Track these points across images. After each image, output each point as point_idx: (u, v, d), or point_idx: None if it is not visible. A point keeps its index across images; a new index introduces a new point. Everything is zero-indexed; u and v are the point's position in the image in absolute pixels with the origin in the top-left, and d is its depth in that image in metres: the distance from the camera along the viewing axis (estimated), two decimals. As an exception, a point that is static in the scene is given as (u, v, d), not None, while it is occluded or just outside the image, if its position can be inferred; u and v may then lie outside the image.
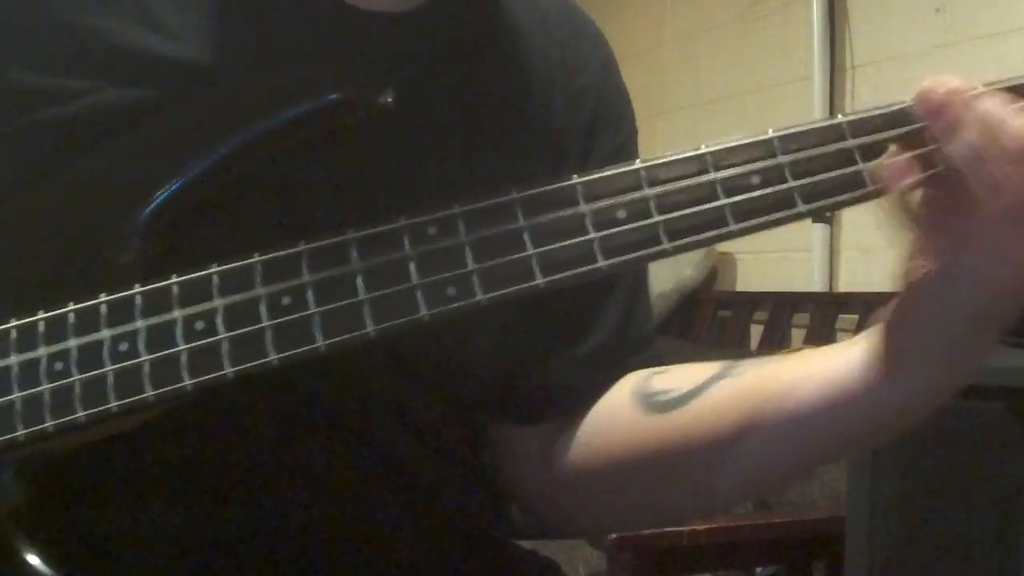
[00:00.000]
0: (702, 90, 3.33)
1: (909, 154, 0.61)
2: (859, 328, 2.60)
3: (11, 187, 0.70)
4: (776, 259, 3.05)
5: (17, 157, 0.70)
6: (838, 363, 0.68)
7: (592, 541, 1.87)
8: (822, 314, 2.75)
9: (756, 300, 3.02)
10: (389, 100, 0.66)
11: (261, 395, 0.69)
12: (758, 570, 2.27)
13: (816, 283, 2.84)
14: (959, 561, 1.49)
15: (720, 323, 3.11)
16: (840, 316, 2.72)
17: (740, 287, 3.20)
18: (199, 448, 0.70)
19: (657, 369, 0.79)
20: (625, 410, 0.77)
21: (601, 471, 0.78)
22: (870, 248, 2.74)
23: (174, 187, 0.65)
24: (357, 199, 0.68)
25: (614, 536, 1.73)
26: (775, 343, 2.78)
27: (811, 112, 2.81)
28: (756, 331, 2.97)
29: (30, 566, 0.63)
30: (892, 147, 0.61)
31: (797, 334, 2.83)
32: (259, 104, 0.67)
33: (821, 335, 2.69)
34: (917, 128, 0.61)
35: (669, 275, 3.04)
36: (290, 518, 0.71)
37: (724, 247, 3.18)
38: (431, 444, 0.77)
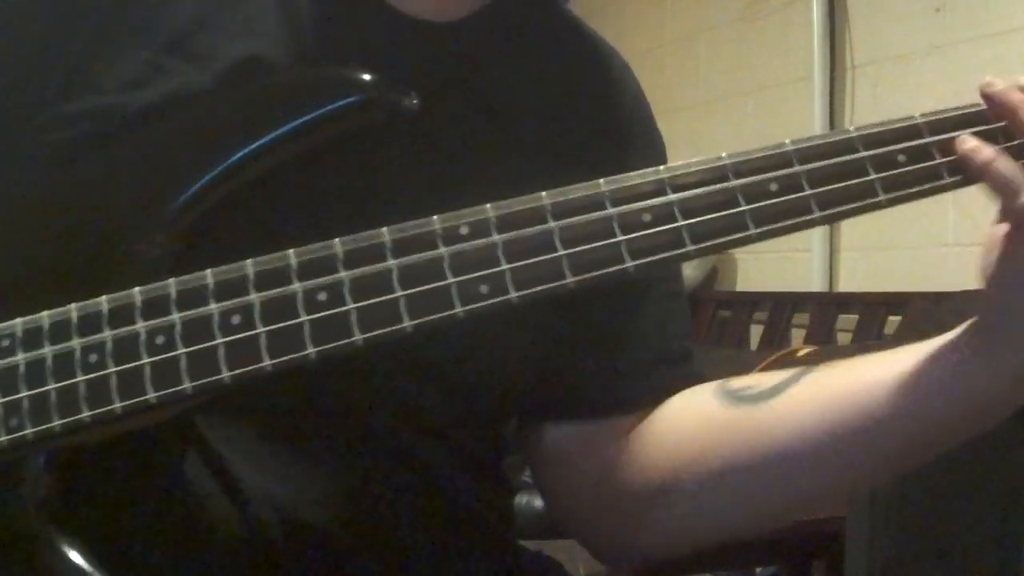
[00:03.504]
0: (702, 90, 3.33)
1: (997, 147, 0.65)
2: (859, 328, 2.61)
3: (48, 172, 0.71)
4: (776, 259, 3.05)
5: (57, 142, 0.71)
6: (940, 345, 0.69)
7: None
8: (822, 314, 2.75)
9: (756, 300, 3.02)
10: (415, 103, 0.67)
11: (280, 397, 0.70)
12: (758, 570, 2.27)
13: (816, 283, 2.85)
14: (959, 561, 1.49)
15: (720, 323, 3.11)
16: (840, 316, 2.72)
17: (740, 287, 3.21)
18: (222, 449, 0.71)
19: (727, 379, 0.79)
20: (714, 411, 0.76)
21: (694, 479, 0.76)
22: (870, 248, 2.74)
23: (199, 184, 0.66)
24: (383, 202, 0.69)
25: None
26: (775, 343, 2.78)
27: (811, 112, 2.82)
28: (756, 331, 2.97)
29: (61, 556, 0.63)
30: (902, 158, 0.65)
31: (797, 334, 2.84)
32: (285, 103, 0.68)
33: (821, 335, 2.69)
34: (946, 138, 0.66)
35: (669, 275, 3.04)
36: (302, 515, 0.72)
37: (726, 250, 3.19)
38: (445, 445, 0.78)
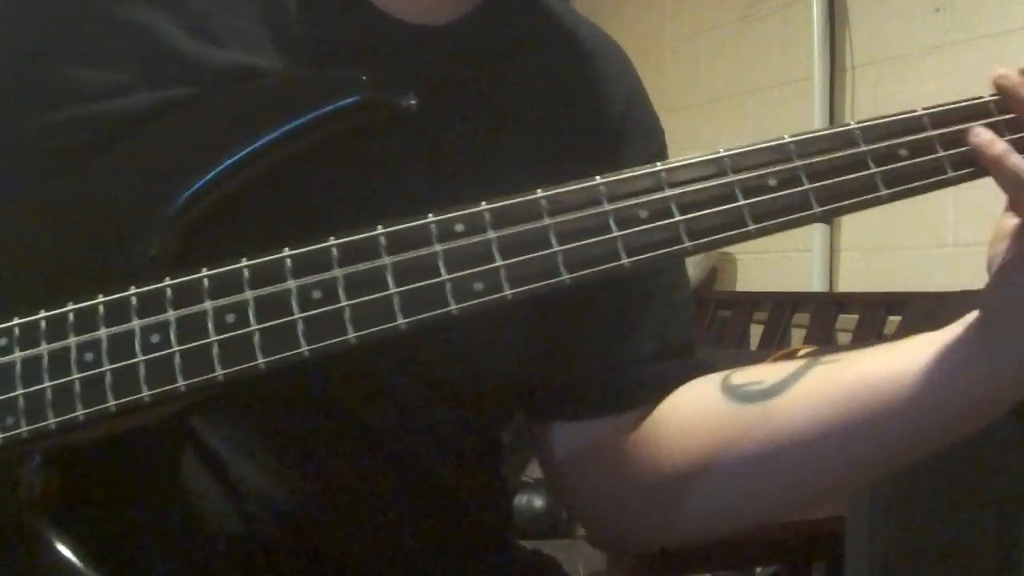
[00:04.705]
0: (702, 90, 3.33)
1: (1009, 138, 0.65)
2: (859, 328, 2.61)
3: (42, 179, 0.70)
4: (776, 259, 3.05)
5: (50, 150, 0.71)
6: (944, 337, 0.69)
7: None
8: (822, 314, 2.75)
9: (756, 300, 3.02)
10: (412, 103, 0.67)
11: (277, 396, 0.70)
12: (758, 570, 2.27)
13: (816, 283, 2.85)
14: (959, 561, 1.49)
15: (720, 323, 3.11)
16: (840, 316, 2.72)
17: (740, 287, 3.21)
18: (219, 447, 0.71)
19: (729, 371, 0.79)
20: (715, 405, 0.77)
21: (691, 472, 0.77)
22: (870, 248, 2.74)
23: (197, 185, 0.66)
24: (381, 204, 0.69)
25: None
26: (775, 343, 2.78)
27: (811, 112, 2.82)
28: (756, 331, 2.97)
29: (58, 555, 0.63)
30: (904, 152, 0.65)
31: (797, 334, 2.84)
32: (283, 104, 0.68)
33: (821, 335, 2.69)
34: (952, 131, 0.65)
35: (669, 275, 3.04)
36: (299, 514, 0.72)
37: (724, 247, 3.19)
38: (443, 445, 0.78)
